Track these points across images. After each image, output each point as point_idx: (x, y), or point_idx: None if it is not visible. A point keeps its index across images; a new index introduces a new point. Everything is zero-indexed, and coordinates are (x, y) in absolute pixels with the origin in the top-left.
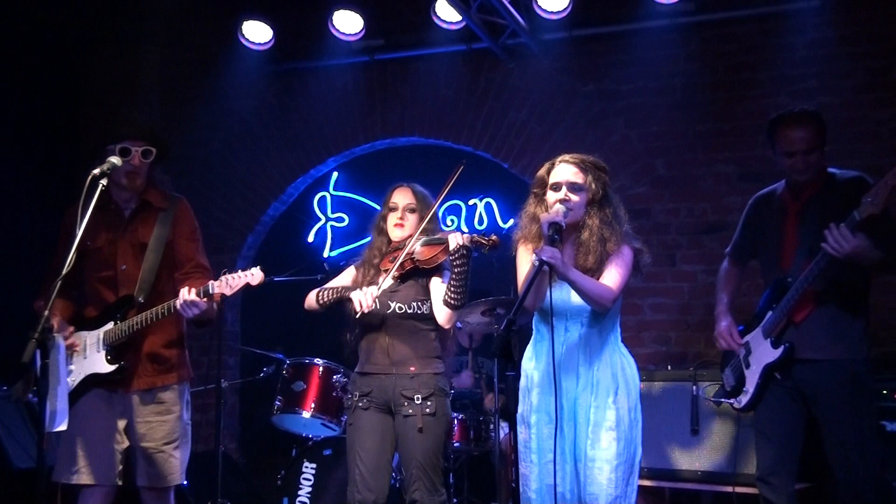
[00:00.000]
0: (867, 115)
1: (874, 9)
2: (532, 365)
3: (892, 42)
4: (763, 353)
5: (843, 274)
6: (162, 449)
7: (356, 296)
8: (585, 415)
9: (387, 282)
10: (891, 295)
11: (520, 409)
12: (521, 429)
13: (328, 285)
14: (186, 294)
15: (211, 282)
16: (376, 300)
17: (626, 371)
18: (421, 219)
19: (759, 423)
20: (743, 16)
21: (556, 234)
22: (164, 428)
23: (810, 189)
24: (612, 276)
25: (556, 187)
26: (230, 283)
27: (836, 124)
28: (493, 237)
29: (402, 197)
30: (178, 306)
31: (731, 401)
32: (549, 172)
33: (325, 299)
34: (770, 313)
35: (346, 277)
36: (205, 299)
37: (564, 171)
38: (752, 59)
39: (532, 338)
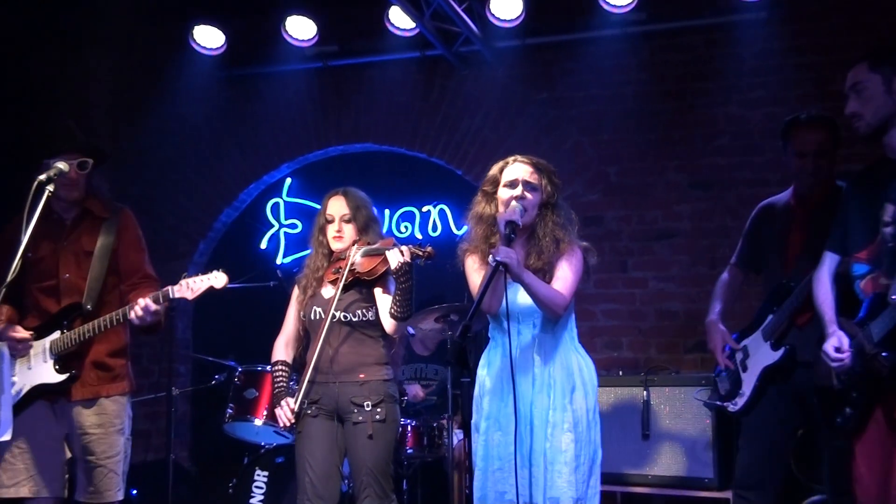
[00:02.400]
0: None
1: (820, 21)
2: (485, 372)
3: (837, 53)
4: (762, 355)
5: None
6: (102, 463)
7: (278, 412)
8: (543, 417)
9: (329, 319)
10: None
11: (474, 417)
12: (474, 436)
13: (280, 362)
14: (143, 303)
15: (170, 287)
16: (294, 411)
17: (584, 372)
18: (359, 228)
19: (746, 428)
20: (692, 26)
21: (513, 232)
22: (106, 442)
23: (817, 198)
24: (564, 280)
25: (513, 184)
26: (192, 286)
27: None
28: (429, 248)
29: (337, 207)
30: (133, 315)
31: (727, 404)
32: (501, 171)
33: (273, 375)
34: (771, 316)
35: (293, 301)
36: (161, 305)
37: (519, 169)
38: (701, 69)
39: (487, 345)
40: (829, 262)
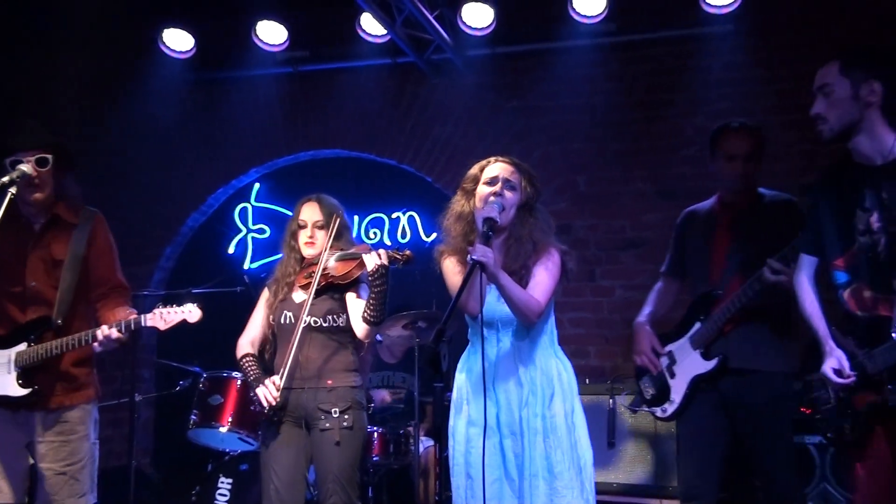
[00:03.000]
0: (778, 136)
1: (785, 35)
2: (464, 376)
3: (801, 67)
4: (691, 363)
5: (775, 293)
6: (63, 471)
7: (261, 392)
8: (528, 425)
9: (297, 335)
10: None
11: (451, 422)
12: (451, 442)
13: (254, 336)
14: (107, 330)
15: (143, 315)
16: (280, 388)
17: (563, 376)
18: (330, 234)
19: (681, 437)
20: (661, 38)
21: (491, 230)
22: (67, 449)
23: (741, 204)
24: (540, 285)
25: (492, 181)
26: (165, 317)
27: None
28: (407, 252)
29: (310, 213)
30: (96, 344)
31: (655, 409)
32: (482, 169)
33: (242, 369)
34: (699, 324)
35: (261, 303)
36: (126, 334)
37: (500, 168)
38: (669, 81)
39: (465, 350)
40: (807, 265)
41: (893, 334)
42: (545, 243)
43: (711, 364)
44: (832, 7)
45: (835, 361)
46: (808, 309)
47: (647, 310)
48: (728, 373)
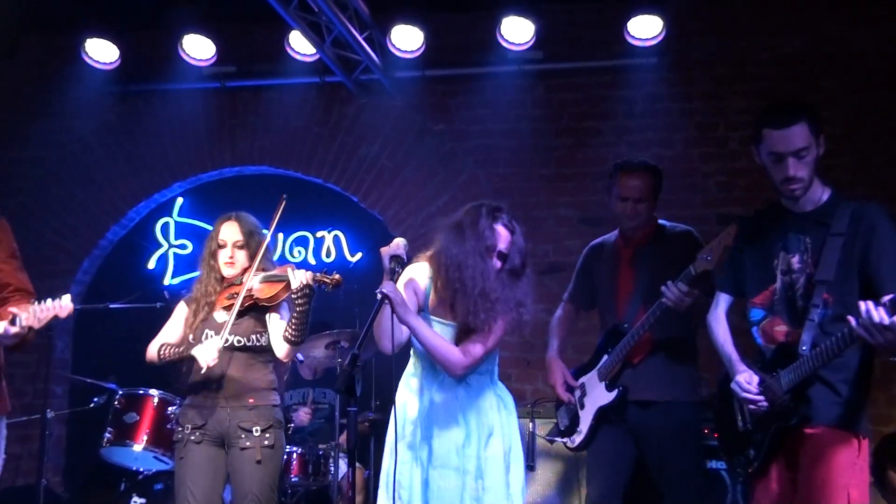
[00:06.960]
0: (696, 167)
1: (705, 70)
2: (409, 397)
3: (720, 102)
4: (598, 395)
5: (675, 322)
6: None
7: (199, 354)
8: (462, 465)
9: (227, 332)
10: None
11: (390, 439)
12: (389, 460)
13: (168, 340)
14: None
15: (20, 314)
16: (220, 351)
17: (503, 413)
18: (251, 254)
19: (590, 464)
20: (587, 67)
21: (399, 266)
22: None
23: (641, 238)
24: (476, 342)
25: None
26: (38, 315)
27: (667, 175)
28: (336, 276)
29: (230, 232)
30: None
31: (565, 440)
32: (492, 236)
33: (166, 356)
34: (606, 357)
35: (179, 315)
36: (14, 329)
37: (505, 239)
38: (593, 109)
39: (407, 369)
40: (723, 302)
41: (801, 355)
42: (507, 308)
43: (612, 395)
44: (747, 46)
45: (747, 375)
46: (721, 338)
47: (554, 343)
48: (633, 404)
